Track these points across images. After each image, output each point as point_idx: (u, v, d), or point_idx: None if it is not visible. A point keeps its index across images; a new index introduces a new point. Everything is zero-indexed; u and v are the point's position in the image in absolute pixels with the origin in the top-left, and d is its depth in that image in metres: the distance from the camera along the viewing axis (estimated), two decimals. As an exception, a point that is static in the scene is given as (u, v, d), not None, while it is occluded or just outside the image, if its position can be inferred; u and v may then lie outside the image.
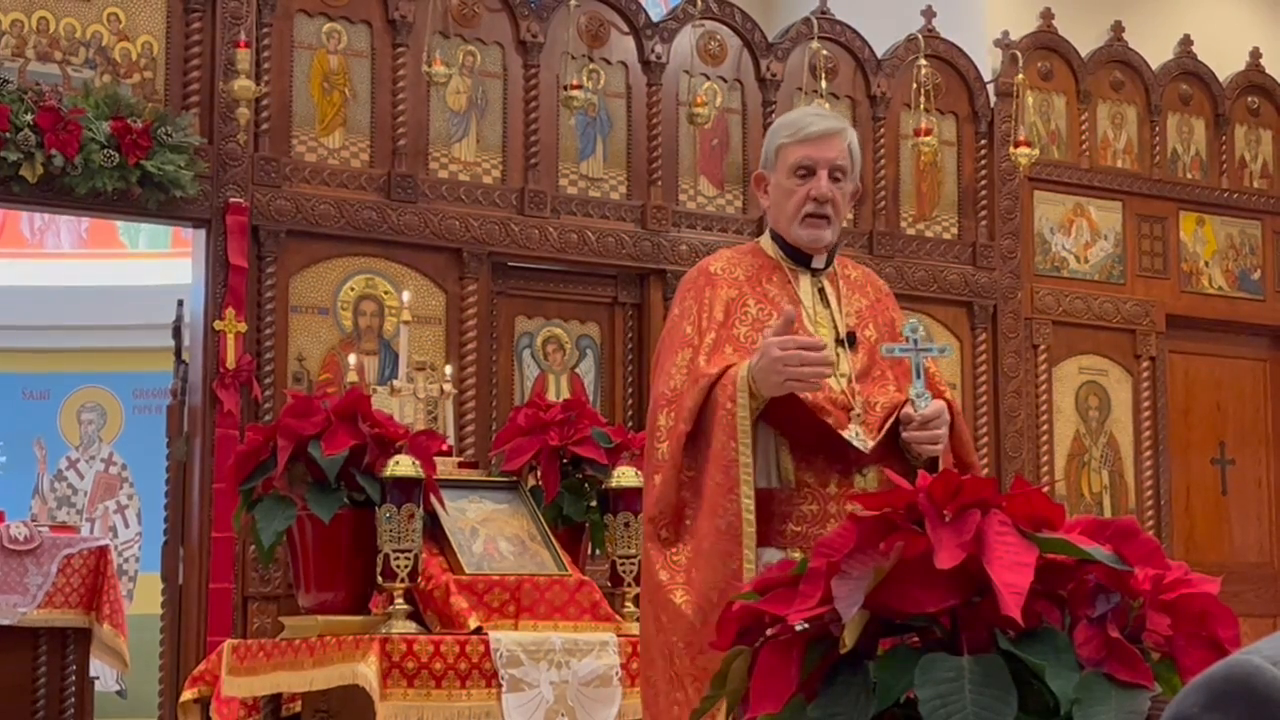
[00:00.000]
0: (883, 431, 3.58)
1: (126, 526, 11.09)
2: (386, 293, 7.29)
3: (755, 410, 3.47)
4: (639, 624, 3.78)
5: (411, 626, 4.68)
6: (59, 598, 7.10)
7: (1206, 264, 9.37)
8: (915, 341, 3.57)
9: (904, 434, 3.54)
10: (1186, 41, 9.46)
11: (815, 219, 3.66)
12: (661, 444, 3.54)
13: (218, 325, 6.85)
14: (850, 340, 3.68)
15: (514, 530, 5.18)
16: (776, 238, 3.74)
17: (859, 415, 3.58)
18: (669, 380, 3.58)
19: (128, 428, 11.16)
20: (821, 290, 3.73)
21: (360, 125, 7.35)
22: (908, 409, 3.55)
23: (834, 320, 3.69)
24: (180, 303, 7.25)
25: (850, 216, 8.33)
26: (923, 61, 8.36)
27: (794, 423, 3.53)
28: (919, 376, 3.56)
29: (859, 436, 3.57)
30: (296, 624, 4.92)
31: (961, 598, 2.13)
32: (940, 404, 3.58)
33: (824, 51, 8.23)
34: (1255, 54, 9.64)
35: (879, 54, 8.49)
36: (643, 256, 7.83)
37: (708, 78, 8.07)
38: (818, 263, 3.73)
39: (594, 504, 5.43)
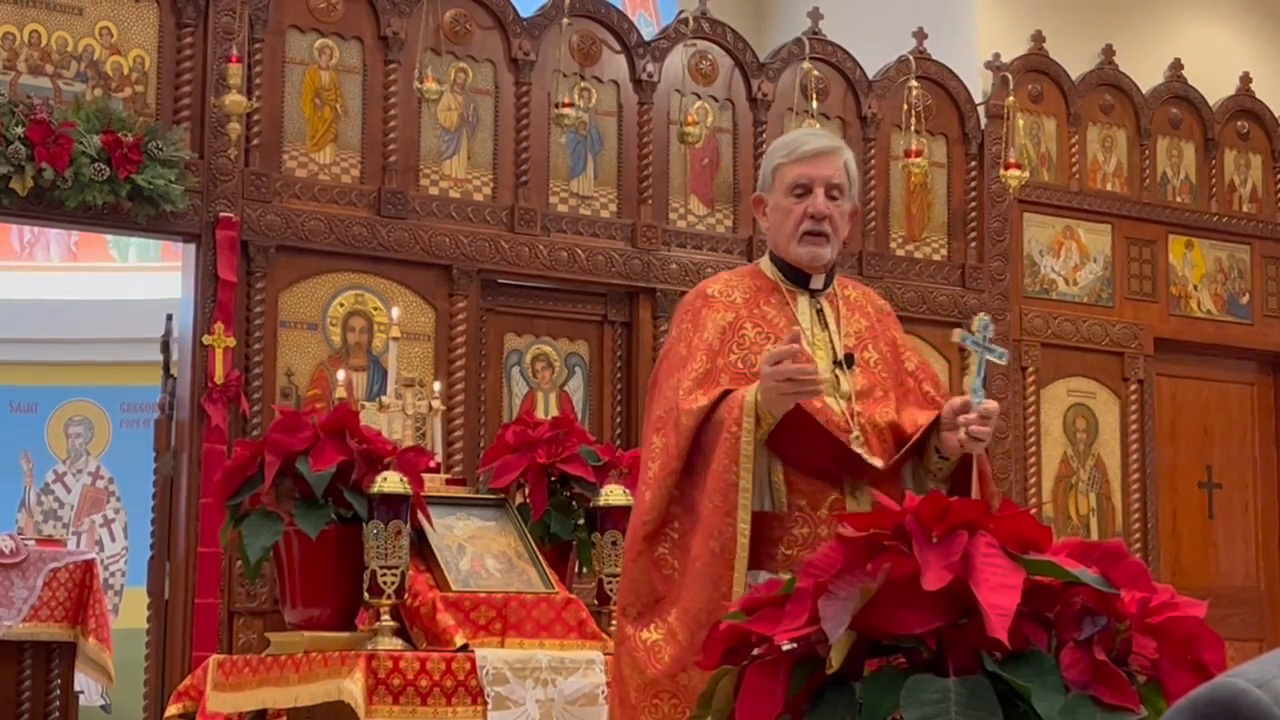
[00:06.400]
0: (902, 450, 3.57)
1: (113, 540, 11.06)
2: (376, 309, 7.28)
3: (762, 436, 3.47)
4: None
5: (398, 643, 4.66)
6: (44, 611, 7.08)
7: (1195, 287, 9.38)
8: (985, 339, 3.57)
9: (959, 419, 3.49)
10: (1177, 65, 9.48)
11: (813, 236, 3.66)
12: (654, 463, 3.54)
13: (206, 340, 6.85)
14: (848, 361, 3.66)
15: (501, 548, 5.17)
16: (776, 259, 3.74)
17: (858, 438, 3.58)
18: (665, 403, 3.58)
19: (115, 441, 11.13)
20: (820, 312, 3.72)
21: (351, 141, 7.35)
22: (958, 398, 3.53)
23: (832, 342, 3.68)
24: (169, 317, 7.24)
25: (842, 237, 8.35)
26: (914, 83, 8.39)
27: (800, 443, 3.51)
28: (979, 373, 3.55)
29: (870, 454, 3.56)
30: (282, 640, 4.91)
31: (948, 619, 2.13)
32: (995, 403, 3.58)
33: (815, 72, 8.25)
34: (1245, 79, 9.66)
35: (870, 75, 8.51)
36: (633, 275, 7.84)
37: (699, 97, 8.08)
38: (816, 283, 3.73)
39: (581, 522, 5.41)
